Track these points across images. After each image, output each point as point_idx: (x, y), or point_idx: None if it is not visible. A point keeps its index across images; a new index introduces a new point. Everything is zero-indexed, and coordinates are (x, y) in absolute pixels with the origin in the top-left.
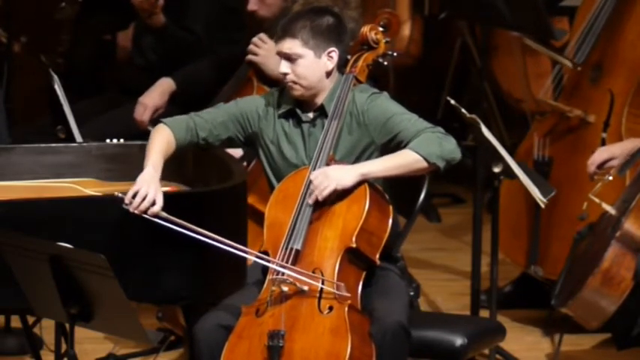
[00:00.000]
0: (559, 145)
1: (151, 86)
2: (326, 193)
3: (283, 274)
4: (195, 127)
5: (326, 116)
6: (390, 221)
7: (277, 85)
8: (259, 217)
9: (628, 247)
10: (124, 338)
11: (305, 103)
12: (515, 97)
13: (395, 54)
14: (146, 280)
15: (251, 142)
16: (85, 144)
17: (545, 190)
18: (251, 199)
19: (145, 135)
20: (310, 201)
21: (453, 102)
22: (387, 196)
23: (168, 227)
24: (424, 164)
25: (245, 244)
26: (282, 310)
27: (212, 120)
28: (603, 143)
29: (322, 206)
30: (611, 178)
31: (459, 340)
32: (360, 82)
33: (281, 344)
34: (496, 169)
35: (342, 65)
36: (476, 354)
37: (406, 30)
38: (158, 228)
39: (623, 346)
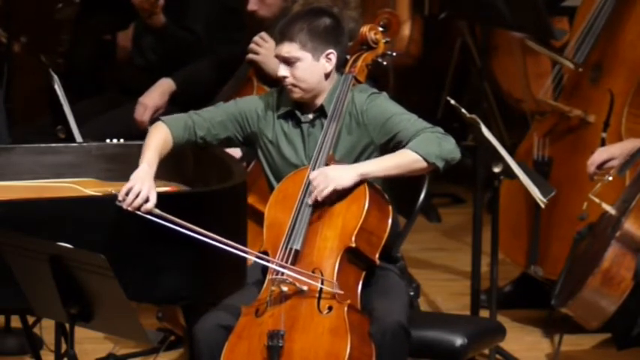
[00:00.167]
0: (559, 145)
1: (150, 86)
2: (325, 193)
3: (283, 274)
4: (194, 125)
5: (325, 116)
6: (390, 221)
7: (277, 84)
8: (259, 217)
9: (628, 247)
10: (124, 338)
11: (304, 104)
12: (515, 97)
13: (394, 54)
14: (146, 280)
15: (250, 142)
16: (85, 144)
17: (545, 190)
18: (251, 199)
19: (145, 135)
20: (310, 201)
21: (453, 102)
22: (387, 196)
23: (163, 225)
24: (423, 164)
25: (245, 244)
26: (282, 310)
27: (211, 119)
28: (603, 143)
29: (322, 206)
30: (611, 178)
31: (459, 340)
32: (359, 82)
33: (281, 344)
34: (496, 169)
35: (341, 65)
36: (476, 354)
37: (406, 30)
38: (157, 228)
39: (623, 346)
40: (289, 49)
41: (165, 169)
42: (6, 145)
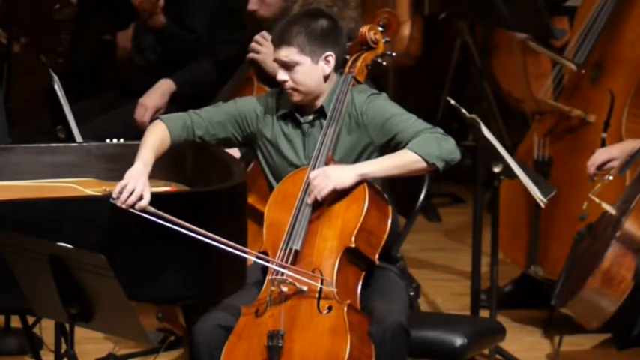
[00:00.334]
0: (559, 145)
1: (150, 86)
2: (325, 192)
3: (282, 274)
4: (192, 125)
5: (325, 117)
6: (390, 221)
7: (277, 84)
8: (259, 217)
9: (628, 247)
10: (124, 338)
11: (304, 106)
12: (515, 97)
13: (394, 54)
14: (146, 280)
15: (249, 142)
16: (85, 144)
17: (545, 190)
18: (251, 199)
19: None
20: (309, 201)
21: (453, 102)
22: (387, 196)
23: (158, 223)
24: (423, 164)
25: (245, 245)
26: (282, 310)
27: (210, 119)
28: (603, 143)
29: (321, 206)
30: (611, 178)
31: (459, 340)
32: (359, 82)
33: (280, 344)
34: (496, 169)
35: (340, 65)
36: (476, 354)
37: (406, 30)
38: (157, 228)
39: (623, 346)
40: (287, 53)
41: (166, 169)
42: (6, 145)
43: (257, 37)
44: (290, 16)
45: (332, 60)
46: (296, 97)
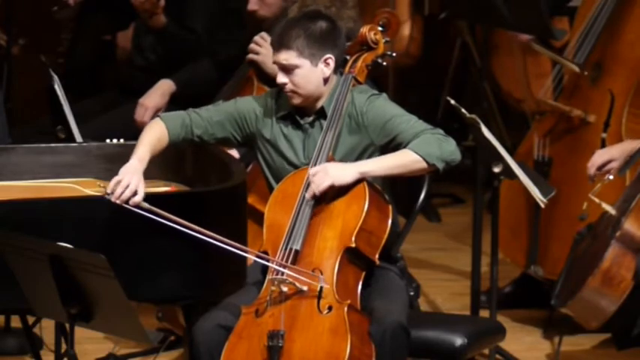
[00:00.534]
0: (559, 145)
1: (150, 86)
2: (323, 187)
3: (283, 274)
4: (191, 123)
5: (325, 117)
6: (390, 221)
7: (277, 85)
8: (259, 217)
9: (628, 247)
10: (124, 338)
11: (304, 108)
12: (515, 97)
13: (394, 54)
14: (146, 280)
15: (248, 142)
16: (85, 144)
17: (545, 190)
18: (251, 199)
19: None
20: (308, 196)
21: (453, 102)
22: (387, 196)
23: (153, 219)
24: (423, 165)
25: (245, 244)
26: (282, 310)
27: (209, 118)
28: (603, 143)
29: (321, 206)
30: (612, 177)
31: (459, 340)
32: (359, 82)
33: (280, 344)
34: (496, 169)
35: (340, 65)
36: (476, 354)
37: (406, 30)
38: (157, 228)
39: (623, 346)
40: (287, 56)
41: (165, 169)
42: (6, 145)
43: (256, 38)
44: (289, 18)
45: (331, 62)
46: (296, 100)
